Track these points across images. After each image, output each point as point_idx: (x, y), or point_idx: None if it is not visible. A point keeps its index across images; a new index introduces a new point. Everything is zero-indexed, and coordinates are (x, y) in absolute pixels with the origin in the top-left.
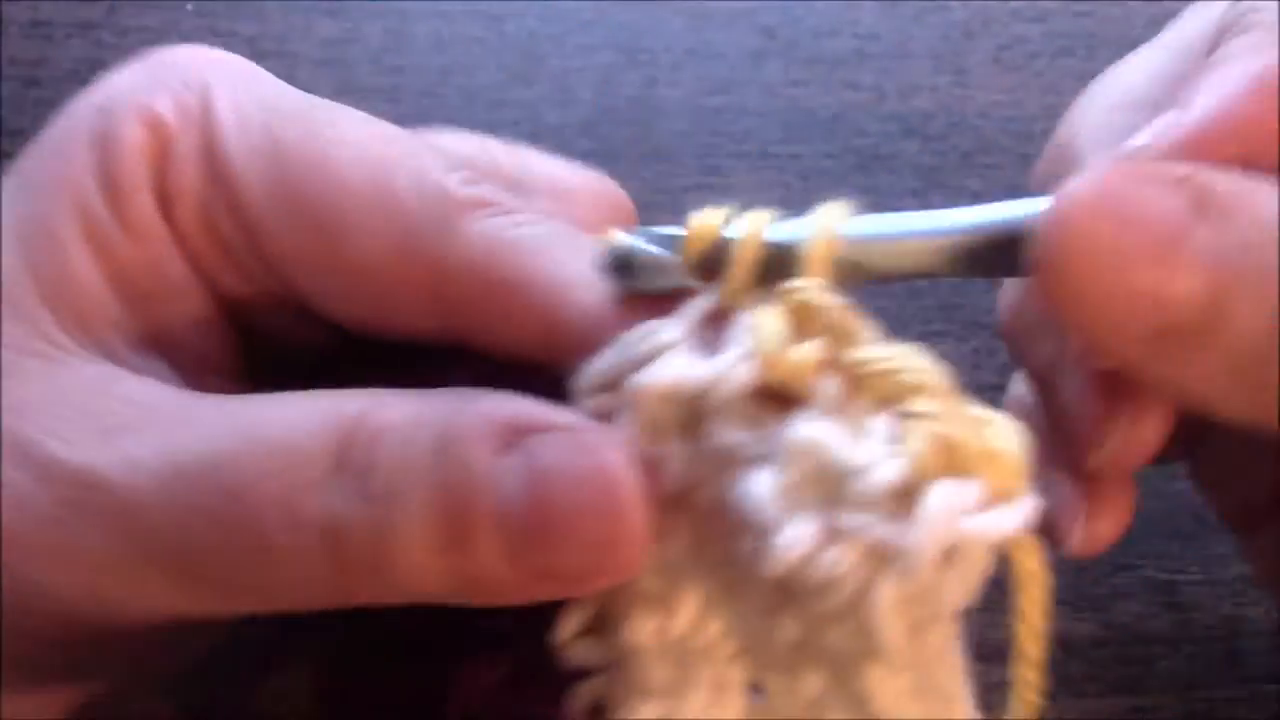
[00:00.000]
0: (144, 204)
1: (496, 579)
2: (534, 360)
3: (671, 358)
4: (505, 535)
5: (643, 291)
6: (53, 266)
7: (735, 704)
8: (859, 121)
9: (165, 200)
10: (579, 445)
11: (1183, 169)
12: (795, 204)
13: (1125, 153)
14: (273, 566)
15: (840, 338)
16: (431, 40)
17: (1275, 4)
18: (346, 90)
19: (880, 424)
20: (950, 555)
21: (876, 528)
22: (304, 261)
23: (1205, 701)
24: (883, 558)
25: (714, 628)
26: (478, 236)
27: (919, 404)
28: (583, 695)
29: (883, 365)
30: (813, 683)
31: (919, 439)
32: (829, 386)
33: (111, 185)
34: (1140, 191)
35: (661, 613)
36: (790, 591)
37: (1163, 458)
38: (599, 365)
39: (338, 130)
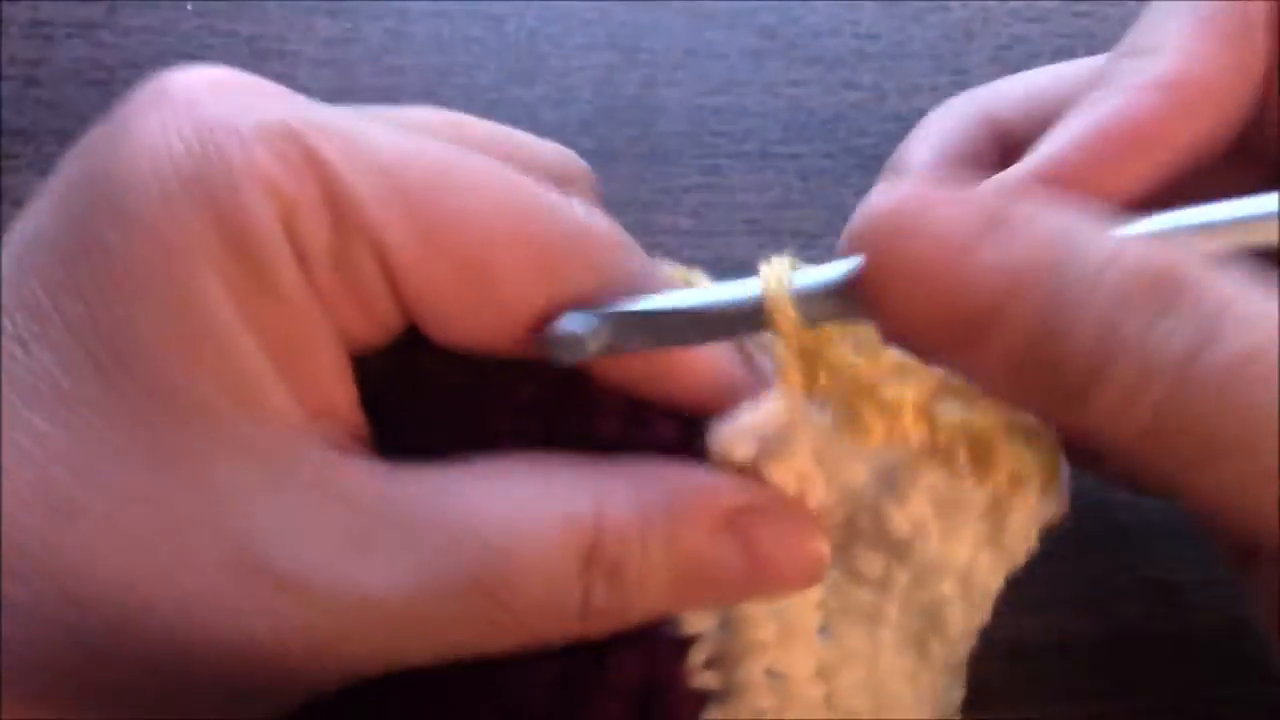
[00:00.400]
0: (287, 267)
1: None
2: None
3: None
4: (723, 597)
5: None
6: (228, 363)
7: (815, 643)
8: (859, 121)
9: (302, 261)
10: (788, 533)
11: (983, 193)
12: (795, 204)
13: (990, 183)
14: (531, 640)
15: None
16: (431, 40)
17: (1134, 63)
18: (346, 90)
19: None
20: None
21: (979, 530)
22: (449, 306)
23: (1205, 701)
24: (984, 543)
25: (806, 592)
26: (623, 277)
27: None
28: (698, 655)
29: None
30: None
31: (996, 472)
32: (917, 434)
33: (249, 256)
34: (938, 205)
35: None
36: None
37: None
38: (734, 433)
39: (450, 159)
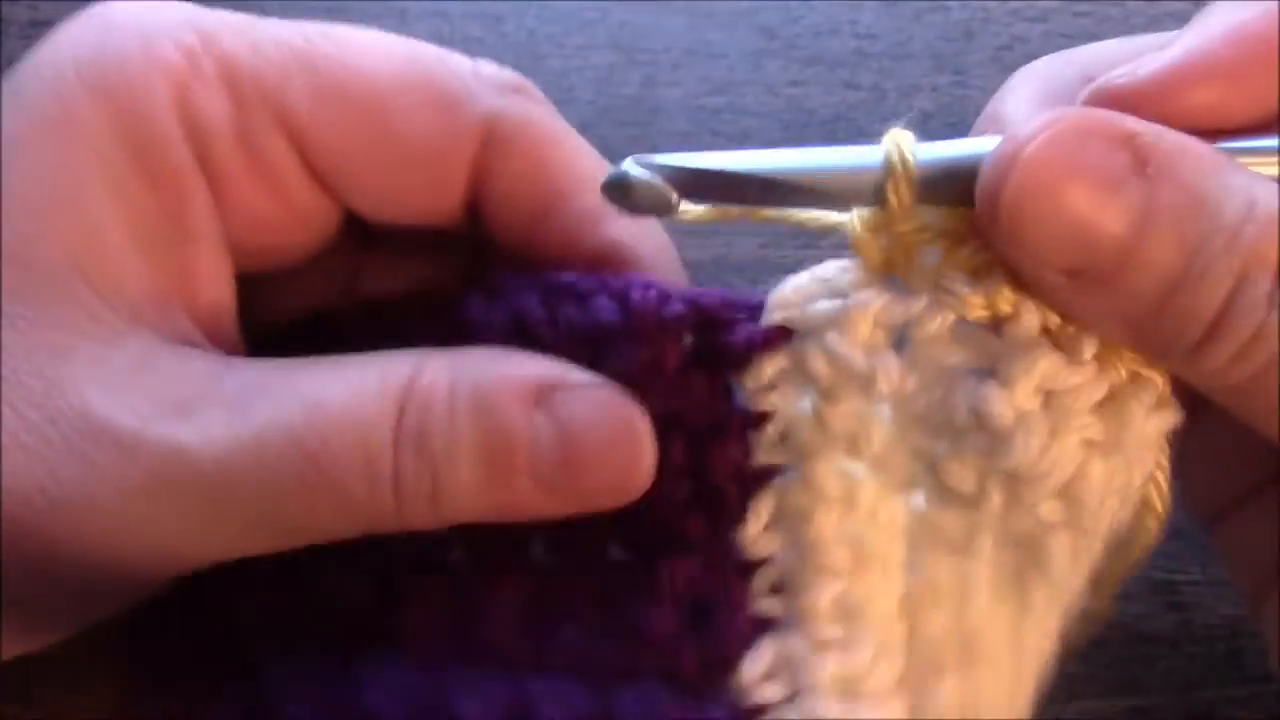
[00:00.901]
0: (177, 151)
1: (531, 507)
2: (530, 252)
3: (875, 292)
4: (539, 477)
5: (633, 213)
6: (84, 237)
7: (898, 577)
8: (859, 121)
9: (198, 140)
10: (599, 401)
11: (1131, 126)
12: None
13: (1101, 88)
14: (346, 514)
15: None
16: (431, 40)
17: None
18: None
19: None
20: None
21: (1093, 428)
22: (354, 155)
23: (1205, 701)
24: (1096, 447)
25: (884, 516)
26: (520, 116)
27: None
28: (763, 579)
29: None
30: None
31: (1117, 365)
32: (1030, 317)
33: (137, 139)
34: (1087, 142)
35: (840, 508)
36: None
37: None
38: (794, 285)
39: (349, 33)
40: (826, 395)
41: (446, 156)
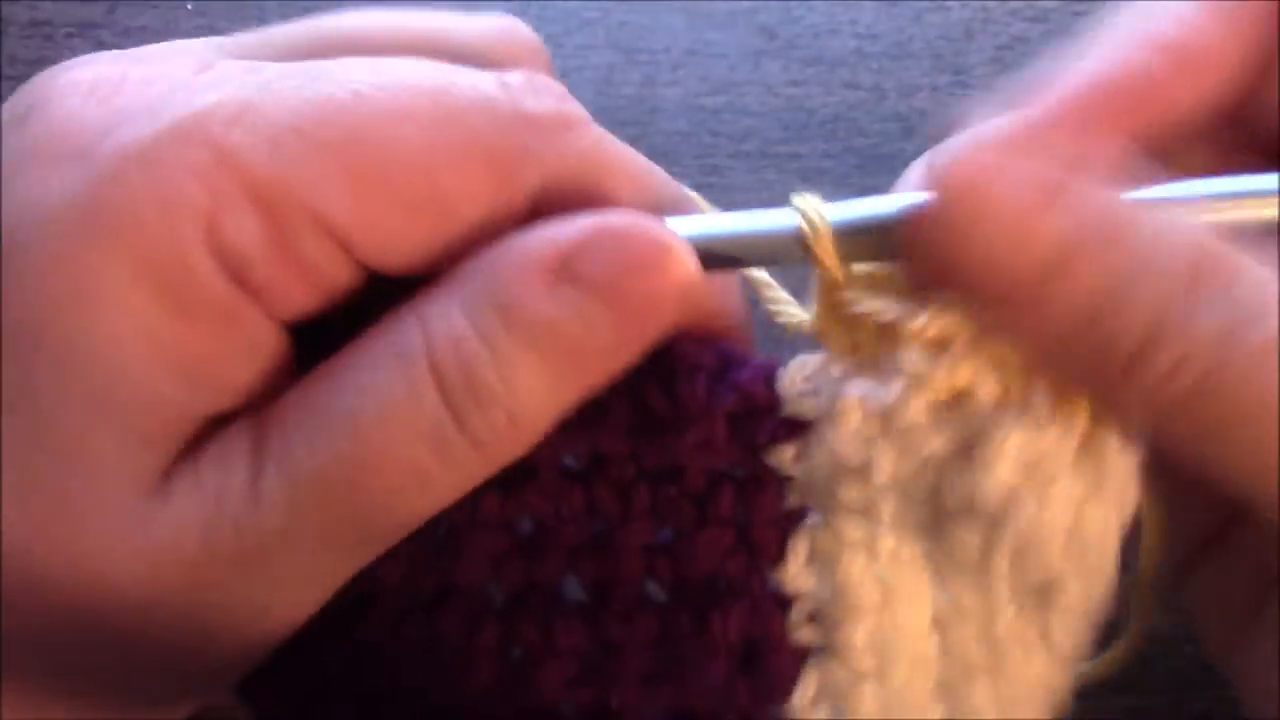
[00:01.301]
0: (215, 288)
1: (607, 366)
2: None
3: (856, 384)
4: (598, 338)
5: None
6: (142, 427)
7: (927, 599)
8: (859, 121)
9: (235, 269)
10: (616, 243)
11: (1052, 154)
12: None
13: (1021, 114)
14: (432, 493)
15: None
16: None
17: (1135, 21)
18: None
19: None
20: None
21: (1077, 483)
22: (404, 243)
23: (1205, 701)
24: (1084, 500)
25: (906, 554)
26: (574, 163)
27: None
28: (799, 612)
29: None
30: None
31: (1079, 413)
32: (987, 387)
33: (173, 294)
34: (1012, 164)
35: (864, 553)
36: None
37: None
38: (790, 378)
39: (359, 84)
40: (832, 481)
41: (502, 227)
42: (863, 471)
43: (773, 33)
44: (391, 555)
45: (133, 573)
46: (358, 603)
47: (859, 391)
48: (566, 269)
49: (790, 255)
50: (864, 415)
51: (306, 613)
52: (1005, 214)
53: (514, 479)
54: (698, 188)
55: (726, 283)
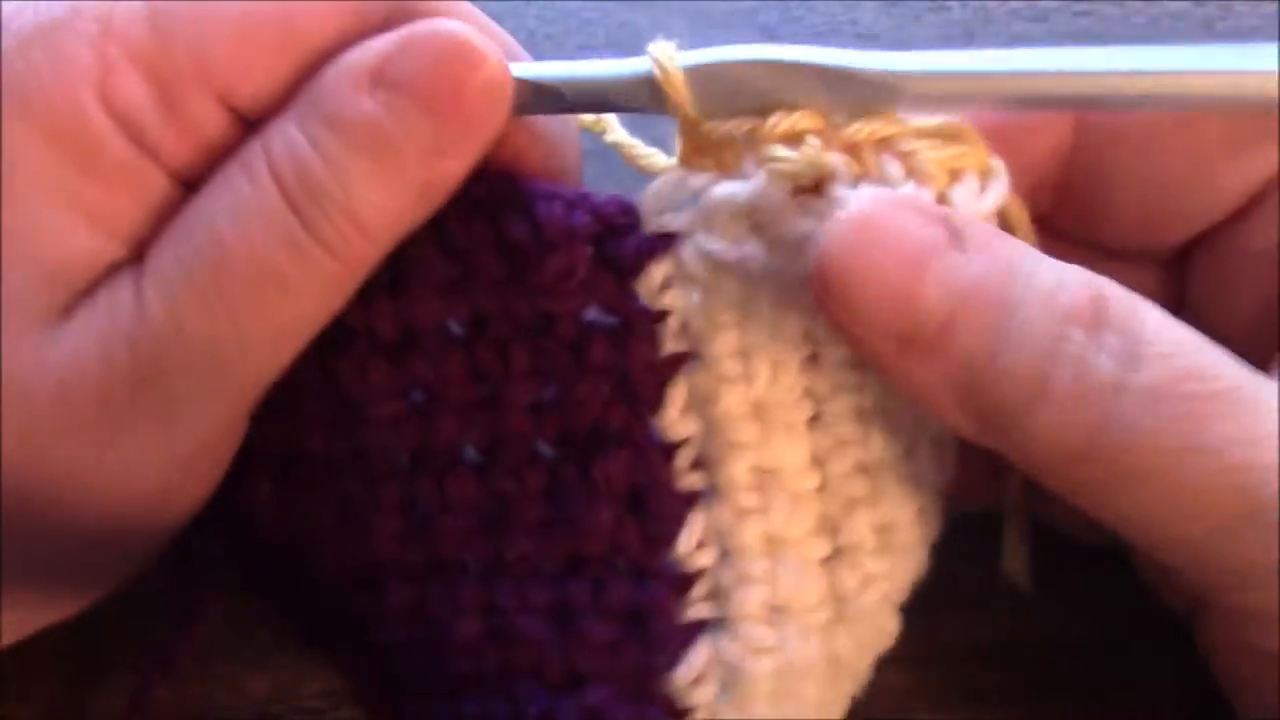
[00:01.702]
0: (116, 145)
1: (447, 169)
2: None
3: (723, 186)
4: (419, 139)
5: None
6: (54, 258)
7: (805, 435)
8: None
9: (129, 127)
10: (421, 47)
11: (941, 209)
12: None
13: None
14: (301, 296)
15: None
16: None
17: None
18: None
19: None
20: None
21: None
22: (280, 89)
23: (1204, 701)
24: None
25: (783, 381)
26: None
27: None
28: (683, 458)
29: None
30: (866, 401)
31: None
32: (842, 167)
33: (77, 150)
34: (904, 215)
35: (742, 384)
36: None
37: (1101, 543)
38: (655, 193)
39: None
40: (709, 291)
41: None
42: (739, 268)
43: (773, 33)
44: (312, 423)
45: (43, 390)
46: (285, 464)
47: (725, 190)
48: (381, 74)
49: (647, 100)
50: (732, 211)
51: (213, 441)
52: (901, 256)
53: (402, 348)
54: None
55: (566, 136)
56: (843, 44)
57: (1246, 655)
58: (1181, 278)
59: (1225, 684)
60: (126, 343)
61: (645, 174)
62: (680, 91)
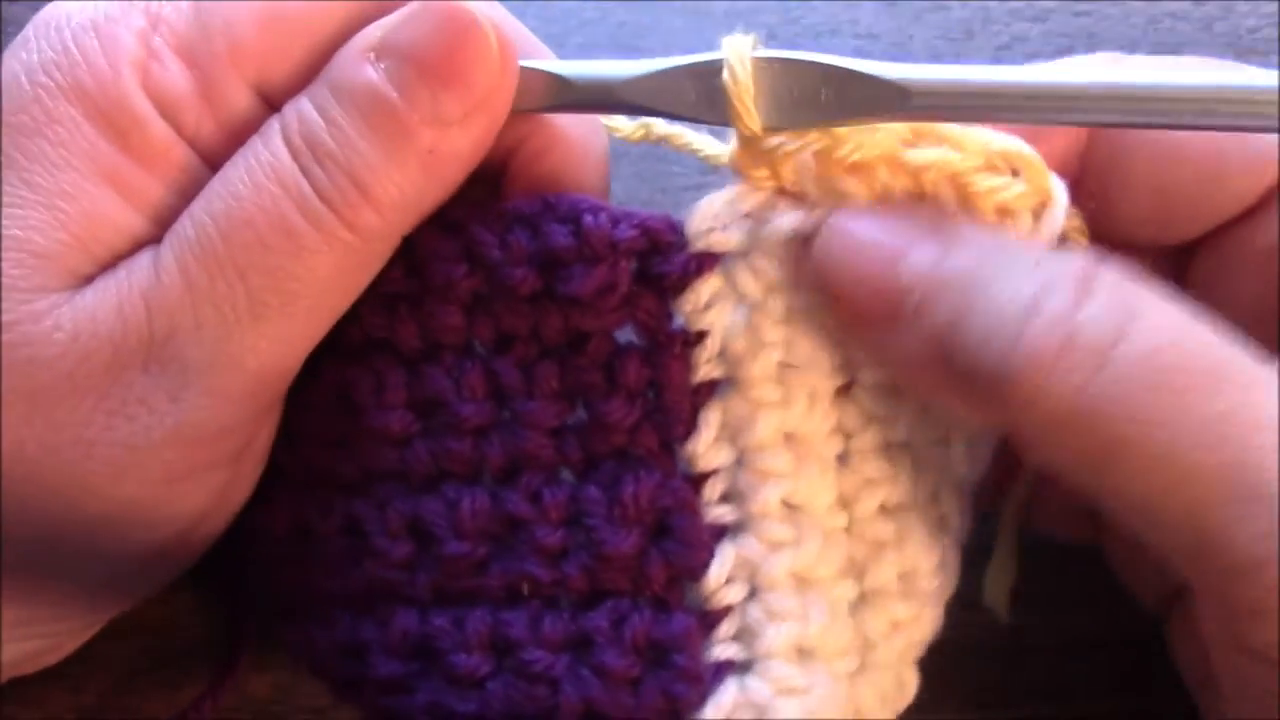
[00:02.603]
0: (156, 127)
1: (459, 143)
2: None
3: (784, 212)
4: (421, 106)
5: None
6: (88, 225)
7: (833, 475)
8: None
9: (169, 111)
10: (420, 18)
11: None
12: None
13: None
14: (315, 255)
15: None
16: None
17: None
18: None
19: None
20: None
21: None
22: (305, 77)
23: None
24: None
25: (818, 411)
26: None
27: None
28: (713, 490)
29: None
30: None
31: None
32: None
33: (119, 127)
34: (891, 208)
35: (778, 410)
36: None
37: (1078, 539)
38: (706, 212)
39: None
40: (758, 308)
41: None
42: (791, 290)
43: (773, 32)
44: (324, 441)
45: (55, 347)
46: (300, 489)
47: (790, 219)
48: (384, 45)
49: (693, 105)
50: (790, 233)
51: (222, 429)
52: (867, 271)
53: (422, 359)
54: (698, 187)
55: (591, 142)
56: (843, 43)
57: (1230, 651)
58: (1183, 270)
59: (1194, 680)
60: (143, 303)
61: (703, 162)
62: (748, 99)
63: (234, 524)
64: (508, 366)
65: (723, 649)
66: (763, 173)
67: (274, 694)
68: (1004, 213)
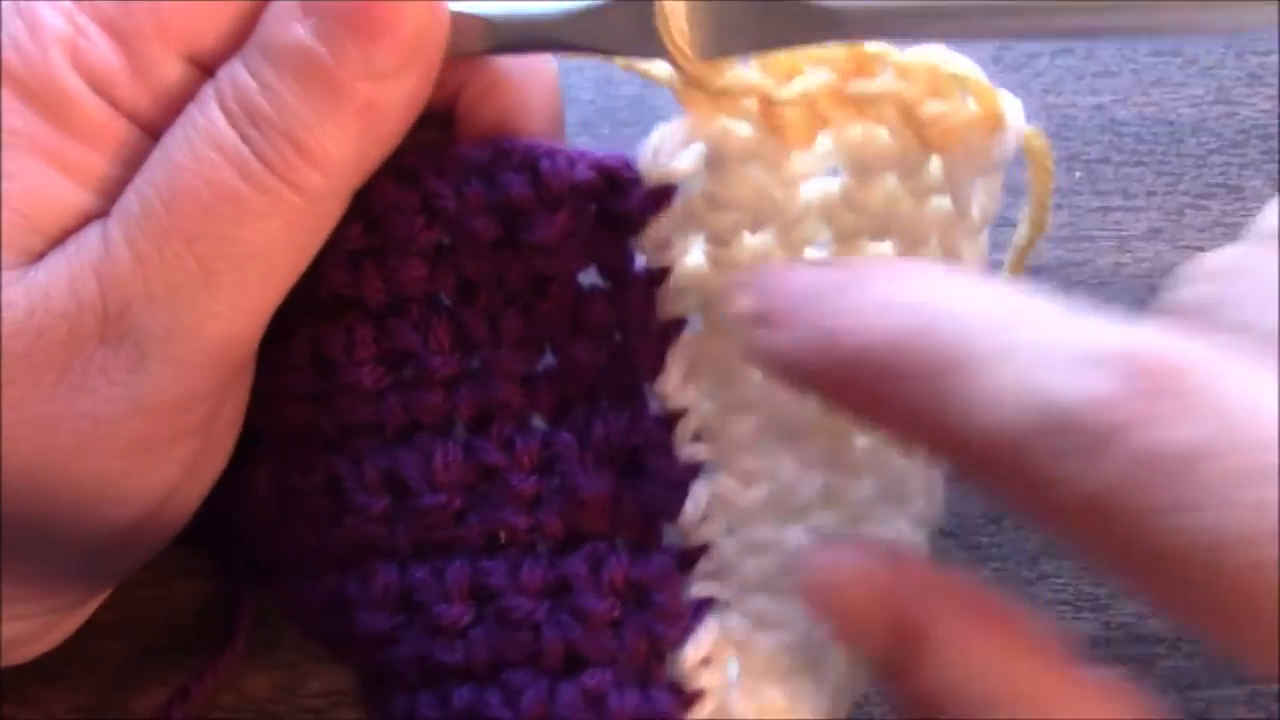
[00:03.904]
0: (89, 104)
1: (394, 95)
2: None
3: (732, 134)
4: (352, 63)
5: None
6: (35, 207)
7: (805, 400)
8: None
9: (102, 88)
10: None
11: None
12: None
13: None
14: (259, 218)
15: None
16: None
17: None
18: None
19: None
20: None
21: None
22: (219, 25)
23: (1205, 701)
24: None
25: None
26: None
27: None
28: (684, 429)
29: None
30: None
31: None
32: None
33: (54, 108)
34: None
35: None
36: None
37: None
38: (656, 146)
39: None
40: (718, 239)
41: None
42: (754, 214)
43: None
44: (300, 399)
45: (10, 323)
46: (279, 449)
47: (739, 141)
48: (310, 2)
49: (626, 38)
50: (743, 160)
51: (187, 397)
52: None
53: (389, 313)
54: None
55: (538, 79)
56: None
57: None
58: None
59: None
60: (94, 277)
61: (648, 80)
62: (679, 33)
63: (223, 500)
64: (473, 316)
65: (702, 586)
66: (703, 100)
67: (274, 694)
68: (955, 137)
